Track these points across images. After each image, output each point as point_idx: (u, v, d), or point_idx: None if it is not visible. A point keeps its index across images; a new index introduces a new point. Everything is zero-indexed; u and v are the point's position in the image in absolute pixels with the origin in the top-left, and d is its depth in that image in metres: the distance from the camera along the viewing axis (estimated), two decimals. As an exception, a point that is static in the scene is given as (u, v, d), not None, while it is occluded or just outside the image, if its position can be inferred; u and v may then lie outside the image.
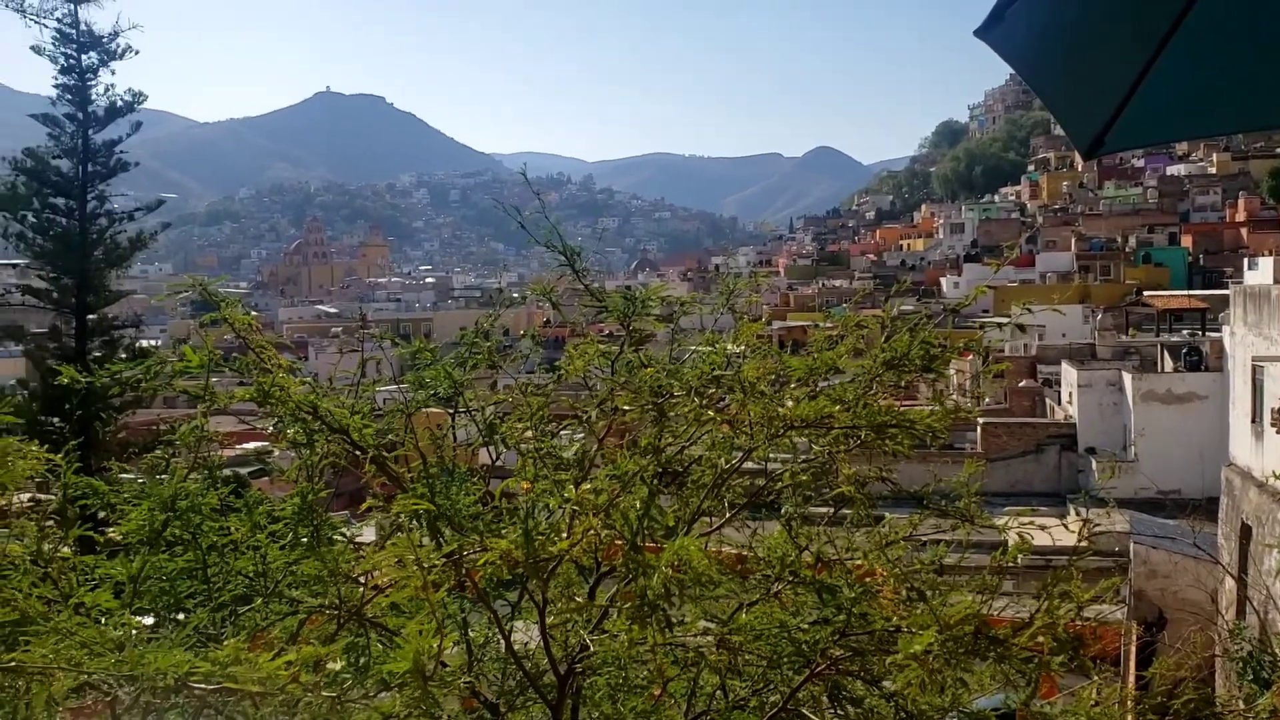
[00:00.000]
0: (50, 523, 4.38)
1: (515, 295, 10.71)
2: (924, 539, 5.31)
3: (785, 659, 4.47)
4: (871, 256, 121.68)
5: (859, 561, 4.89)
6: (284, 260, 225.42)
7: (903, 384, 5.16)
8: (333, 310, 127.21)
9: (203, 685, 2.92)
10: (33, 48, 25.51)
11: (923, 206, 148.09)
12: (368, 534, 5.23)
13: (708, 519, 5.04)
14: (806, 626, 4.52)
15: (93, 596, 3.89)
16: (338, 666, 3.48)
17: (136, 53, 26.59)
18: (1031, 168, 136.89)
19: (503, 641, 4.36)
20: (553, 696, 4.33)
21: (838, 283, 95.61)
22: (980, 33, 2.21)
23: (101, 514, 4.68)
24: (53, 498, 4.60)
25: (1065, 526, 10.74)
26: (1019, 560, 4.80)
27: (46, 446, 4.35)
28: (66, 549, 4.35)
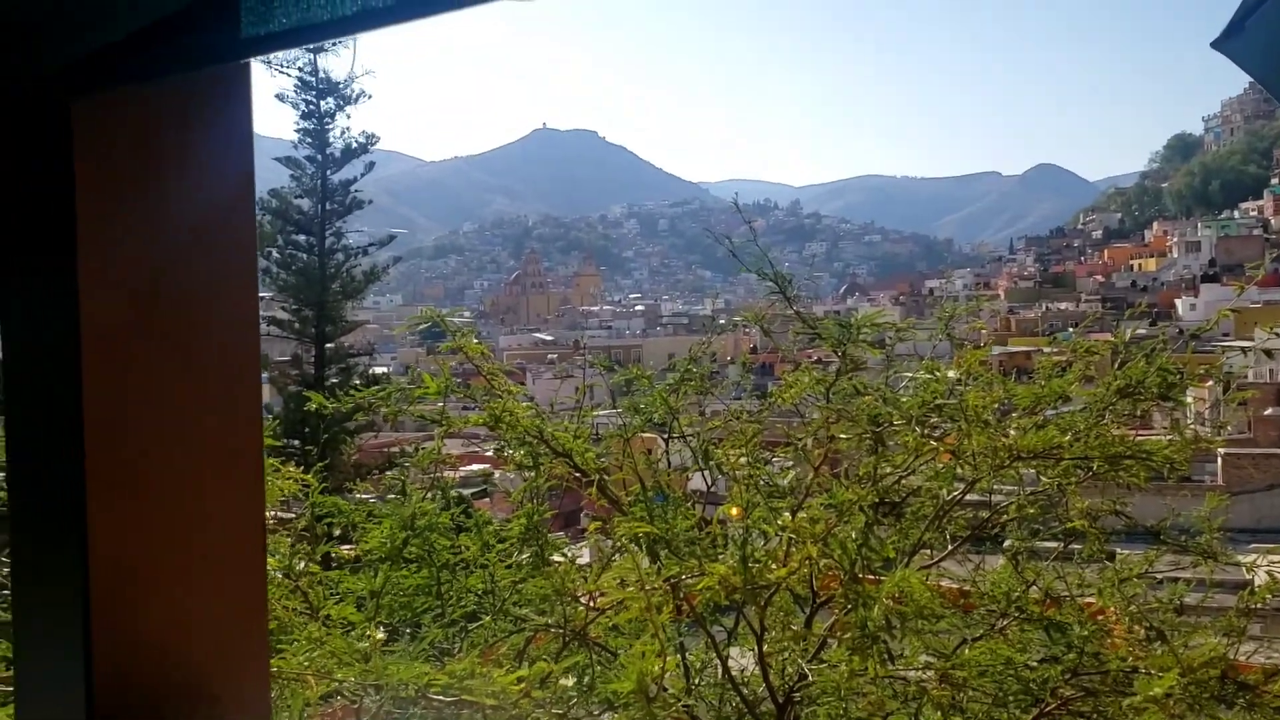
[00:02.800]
0: (301, 539, 4.72)
1: (723, 322, 10.77)
2: (1161, 576, 5.03)
3: (1012, 697, 4.32)
4: (1099, 278, 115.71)
5: (1090, 599, 4.68)
6: (504, 290, 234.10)
7: (1137, 413, 4.91)
8: (549, 338, 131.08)
9: (440, 696, 3.09)
10: (277, 95, 27.60)
11: (1154, 224, 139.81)
12: (582, 555, 5.37)
13: (928, 551, 4.93)
14: (1035, 664, 4.36)
15: (338, 609, 4.16)
16: (569, 683, 3.60)
17: (369, 97, 28.37)
18: (1275, 181, 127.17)
19: (720, 666, 4.39)
20: (770, 724, 4.33)
21: (1063, 306, 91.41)
22: (1218, 44, 2.12)
23: (338, 531, 5.01)
24: (293, 516, 4.95)
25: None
26: (1268, 601, 4.49)
27: (301, 468, 4.69)
28: (315, 564, 4.67)
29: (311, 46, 27.12)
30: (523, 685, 3.08)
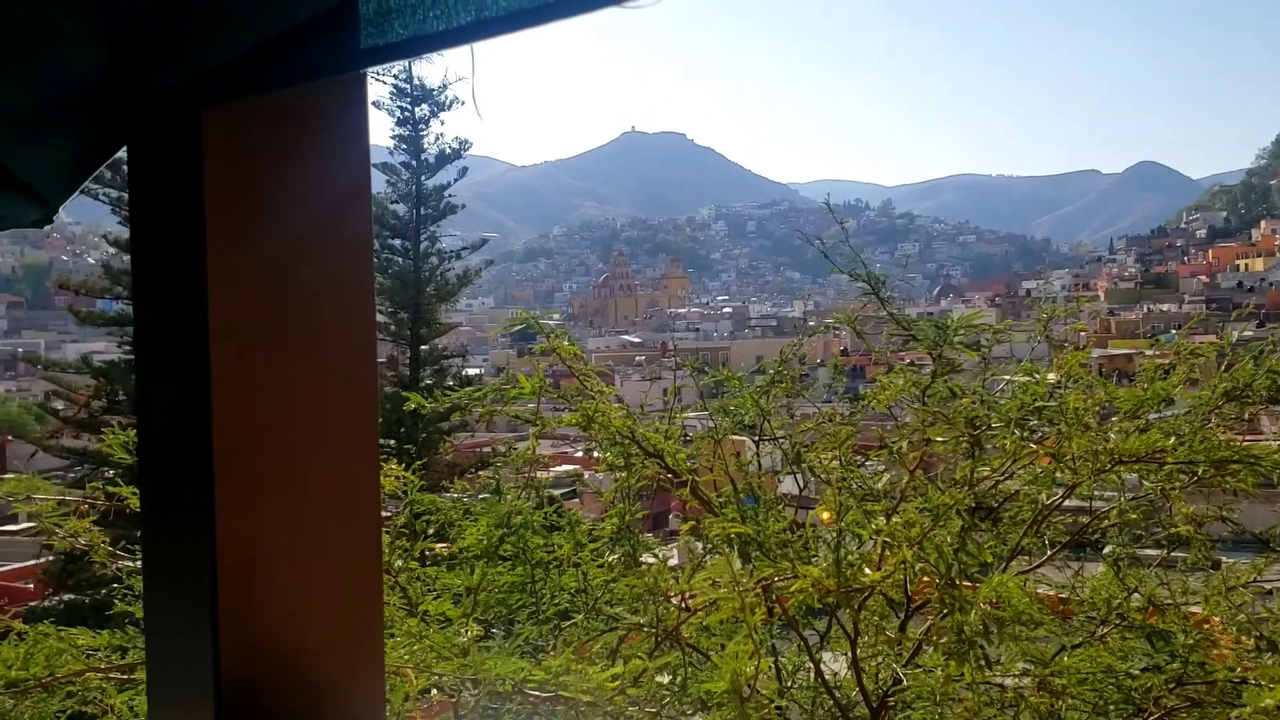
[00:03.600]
0: (400, 536, 4.82)
1: (812, 324, 10.71)
2: (1271, 586, 4.88)
3: (1112, 706, 4.22)
4: (1203, 278, 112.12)
5: (1195, 608, 4.55)
6: (592, 293, 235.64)
7: (1245, 417, 4.76)
8: (636, 340, 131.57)
9: (537, 692, 3.13)
10: (374, 102, 28.20)
11: (1262, 223, 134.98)
12: (671, 557, 5.39)
13: (1025, 557, 4.85)
14: (1137, 673, 4.26)
15: (436, 605, 4.25)
16: (665, 680, 3.63)
17: (462, 103, 28.81)
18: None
19: (813, 669, 4.37)
20: (863, 728, 4.30)
21: (1165, 307, 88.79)
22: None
23: (431, 530, 5.10)
24: (390, 514, 5.05)
25: None
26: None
27: (402, 465, 4.80)
28: (413, 560, 4.77)
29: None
30: (617, 683, 3.11)
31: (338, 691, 1.22)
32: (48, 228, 1.81)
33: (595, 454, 5.17)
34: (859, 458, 5.12)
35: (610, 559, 4.94)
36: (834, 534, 4.00)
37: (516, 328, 5.12)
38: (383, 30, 1.01)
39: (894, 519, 3.91)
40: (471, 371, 32.98)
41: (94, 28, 1.13)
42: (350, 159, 1.22)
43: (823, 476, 4.77)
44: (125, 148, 1.24)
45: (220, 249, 1.11)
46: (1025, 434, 4.17)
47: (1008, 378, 5.13)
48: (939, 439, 4.34)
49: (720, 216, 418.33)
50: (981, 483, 4.52)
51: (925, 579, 3.97)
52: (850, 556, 3.78)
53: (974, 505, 4.45)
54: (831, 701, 4.43)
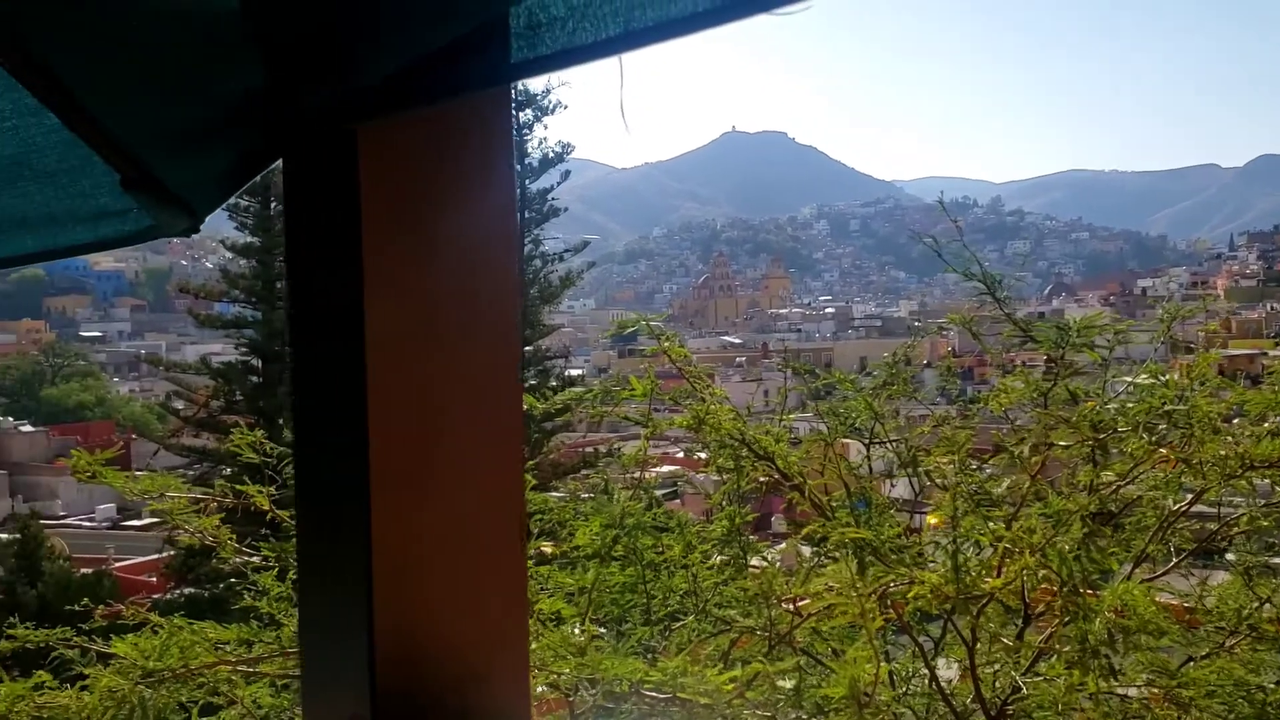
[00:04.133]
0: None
1: (919, 324, 10.57)
2: None
3: (1244, 721, 4.07)
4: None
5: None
6: (692, 294, 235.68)
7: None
8: (737, 341, 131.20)
9: (654, 693, 3.15)
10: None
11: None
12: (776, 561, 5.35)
13: (1149, 564, 4.70)
14: (1271, 686, 4.10)
15: (550, 603, 4.29)
16: (787, 685, 3.61)
17: (565, 107, 29.12)
18: None
19: (928, 676, 4.31)
20: (981, 737, 4.22)
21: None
22: None
23: (537, 530, 5.15)
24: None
25: None
26: None
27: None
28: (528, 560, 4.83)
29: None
30: (733, 686, 3.10)
31: (486, 689, 1.25)
32: None
33: (698, 455, 5.18)
34: (974, 462, 5.03)
35: (717, 561, 4.93)
36: (951, 539, 3.93)
37: (628, 330, 5.15)
38: (533, 44, 1.03)
39: (1015, 525, 3.83)
40: (574, 372, 33.30)
41: (255, 48, 1.18)
42: (497, 169, 1.25)
43: (939, 481, 4.69)
44: (280, 162, 1.29)
45: (375, 260, 1.14)
46: (1153, 438, 4.05)
47: (1129, 380, 4.98)
48: (1062, 443, 4.23)
49: (822, 215, 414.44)
50: (1104, 488, 4.39)
51: (1045, 586, 3.88)
52: (970, 563, 3.72)
53: (1096, 511, 4.33)
54: (947, 709, 4.35)
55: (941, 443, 4.81)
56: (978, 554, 4.06)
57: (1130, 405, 4.28)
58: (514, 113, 28.43)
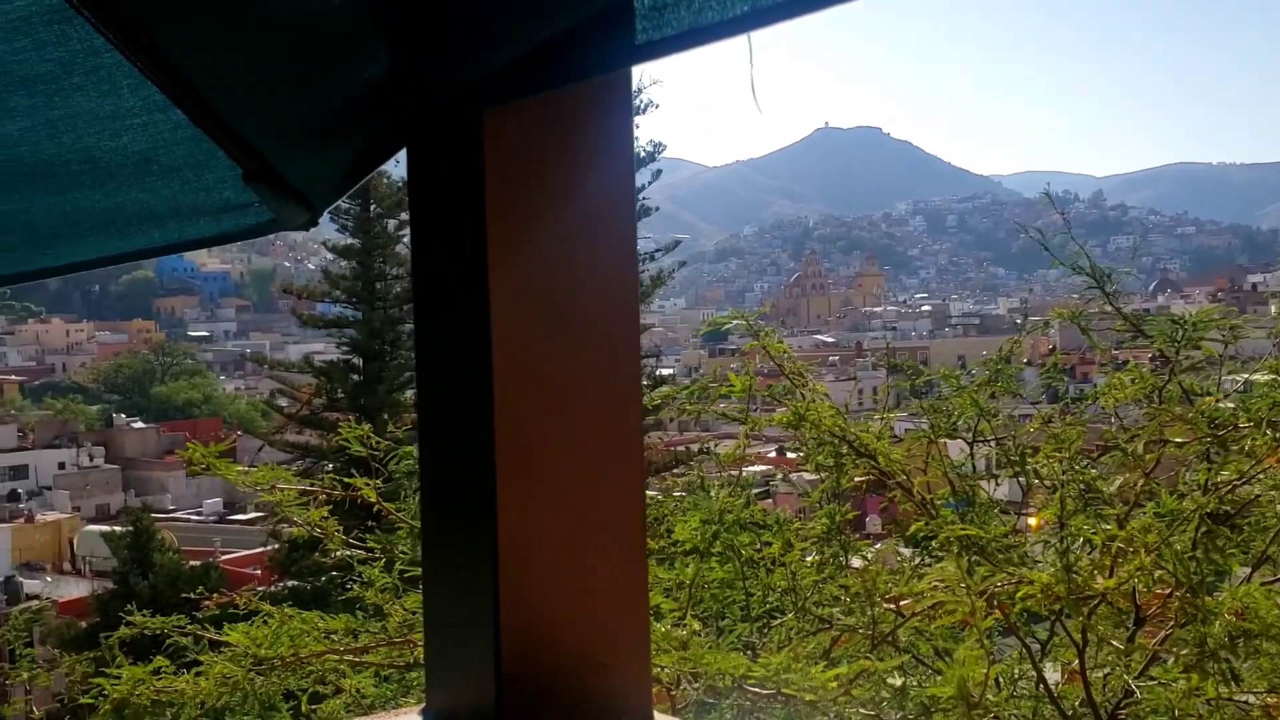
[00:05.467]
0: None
1: (1020, 321, 10.32)
2: None
3: (1376, 732, 3.89)
4: None
5: None
6: (784, 292, 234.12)
7: None
8: (830, 340, 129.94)
9: (757, 689, 3.13)
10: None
11: None
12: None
13: (1270, 566, 4.52)
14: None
15: (650, 598, 4.29)
16: (898, 683, 3.57)
17: (656, 107, 29.11)
18: None
19: (1036, 677, 4.21)
20: (1092, 742, 4.10)
21: None
22: None
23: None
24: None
25: None
26: None
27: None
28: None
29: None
30: (837, 684, 3.07)
31: (607, 677, 1.25)
32: (272, 235, 1.93)
33: (791, 454, 5.13)
34: (1083, 460, 4.89)
35: (816, 559, 4.88)
36: (1063, 539, 3.83)
37: (724, 326, 5.13)
38: (658, 25, 1.02)
39: (1129, 524, 3.72)
40: (664, 372, 33.29)
41: (380, 38, 1.20)
42: (617, 152, 1.24)
43: (1047, 480, 4.58)
44: (404, 152, 1.30)
45: (499, 247, 1.15)
46: (1276, 435, 3.89)
47: (1244, 376, 4.80)
48: (1178, 440, 4.10)
49: (918, 211, 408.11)
50: (1221, 487, 4.24)
51: (1158, 588, 3.76)
52: (1080, 562, 3.62)
53: (1213, 511, 4.18)
54: (1054, 712, 4.24)
55: (1049, 440, 4.70)
56: (1088, 554, 3.95)
57: (1252, 401, 4.12)
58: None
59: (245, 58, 1.41)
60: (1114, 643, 4.29)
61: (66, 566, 43.59)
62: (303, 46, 1.29)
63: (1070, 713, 4.24)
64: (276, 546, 27.39)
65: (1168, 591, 3.77)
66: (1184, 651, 3.45)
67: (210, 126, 1.50)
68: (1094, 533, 3.80)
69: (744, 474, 5.24)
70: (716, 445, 8.35)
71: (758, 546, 4.84)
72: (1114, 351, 5.63)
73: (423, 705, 1.33)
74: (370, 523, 5.22)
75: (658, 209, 30.85)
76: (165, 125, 1.59)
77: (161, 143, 1.64)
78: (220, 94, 1.46)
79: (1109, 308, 5.07)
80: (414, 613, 4.53)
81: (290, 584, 25.79)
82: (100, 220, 1.86)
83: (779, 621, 4.69)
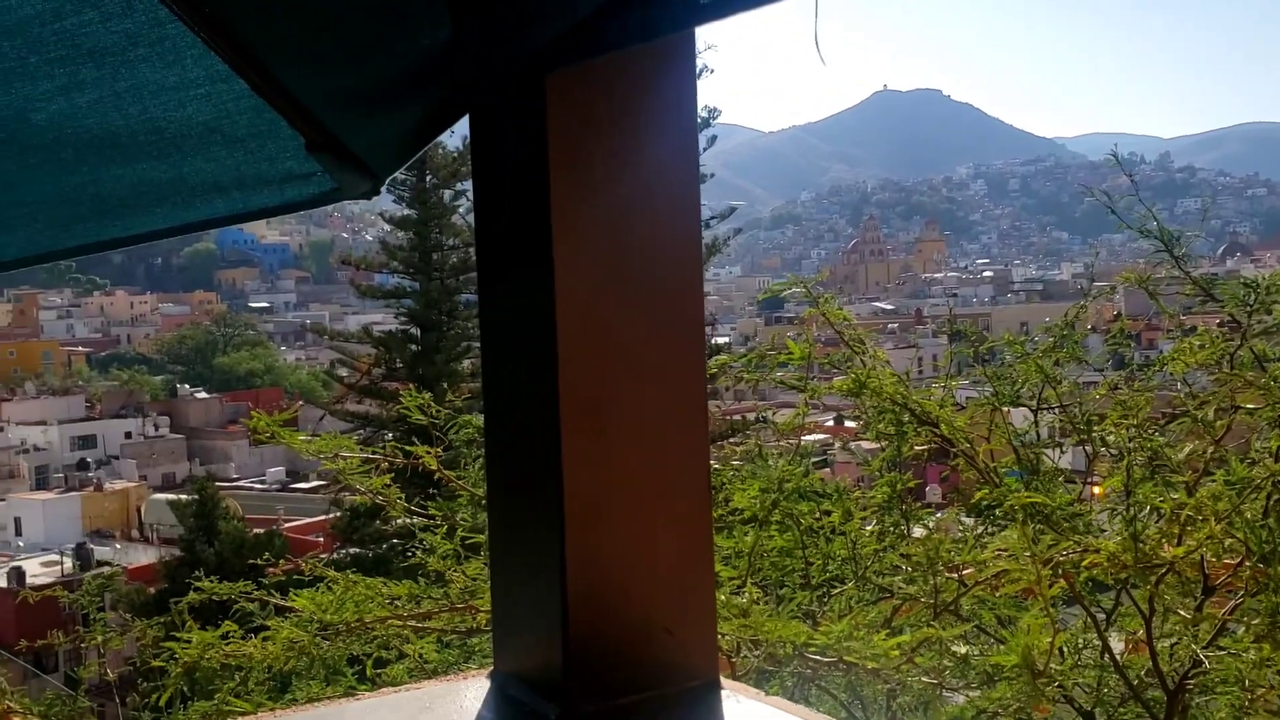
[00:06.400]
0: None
1: (1097, 285, 10.14)
2: None
3: None
4: None
5: None
6: (842, 259, 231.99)
7: None
8: (889, 307, 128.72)
9: (818, 656, 3.12)
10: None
11: None
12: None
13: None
14: None
15: (708, 566, 4.29)
16: (963, 650, 3.54)
17: (711, 72, 28.87)
18: None
19: (1101, 647, 4.15)
20: (1158, 712, 4.05)
21: None
22: None
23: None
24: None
25: None
26: None
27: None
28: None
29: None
30: (898, 652, 3.05)
31: (671, 640, 1.25)
32: (330, 207, 1.93)
33: (850, 422, 5.10)
34: (1150, 428, 4.81)
35: (876, 528, 4.85)
36: (1129, 507, 3.77)
37: (783, 291, 5.09)
38: (722, -16, 1.00)
39: (1198, 492, 3.64)
40: (720, 340, 33.20)
41: (444, 4, 1.19)
42: (681, 114, 1.23)
43: (1114, 448, 4.50)
44: (464, 120, 1.30)
45: (562, 209, 1.14)
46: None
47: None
48: (1250, 406, 4.00)
49: (979, 175, 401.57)
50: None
51: (1228, 557, 3.69)
52: (1148, 530, 3.56)
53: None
54: (1120, 681, 4.19)
55: (1116, 407, 4.61)
56: (1156, 522, 3.89)
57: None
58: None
59: (308, 27, 1.41)
60: (1181, 612, 4.22)
61: (134, 534, 44.73)
62: (366, 15, 1.29)
63: (1136, 682, 4.18)
64: (338, 514, 27.86)
65: (1238, 560, 3.69)
66: (1255, 621, 3.38)
67: (273, 96, 1.51)
68: (1162, 501, 3.73)
69: (802, 442, 5.21)
70: (774, 414, 8.32)
71: (817, 515, 4.82)
72: (1182, 317, 5.51)
73: (491, 668, 1.34)
74: (431, 490, 5.28)
75: (713, 175, 30.68)
76: (228, 95, 1.60)
77: (225, 113, 1.65)
78: (283, 64, 1.46)
79: (1177, 272, 4.96)
80: (475, 579, 4.58)
81: (352, 551, 26.24)
82: (166, 191, 1.88)
83: (839, 590, 4.68)
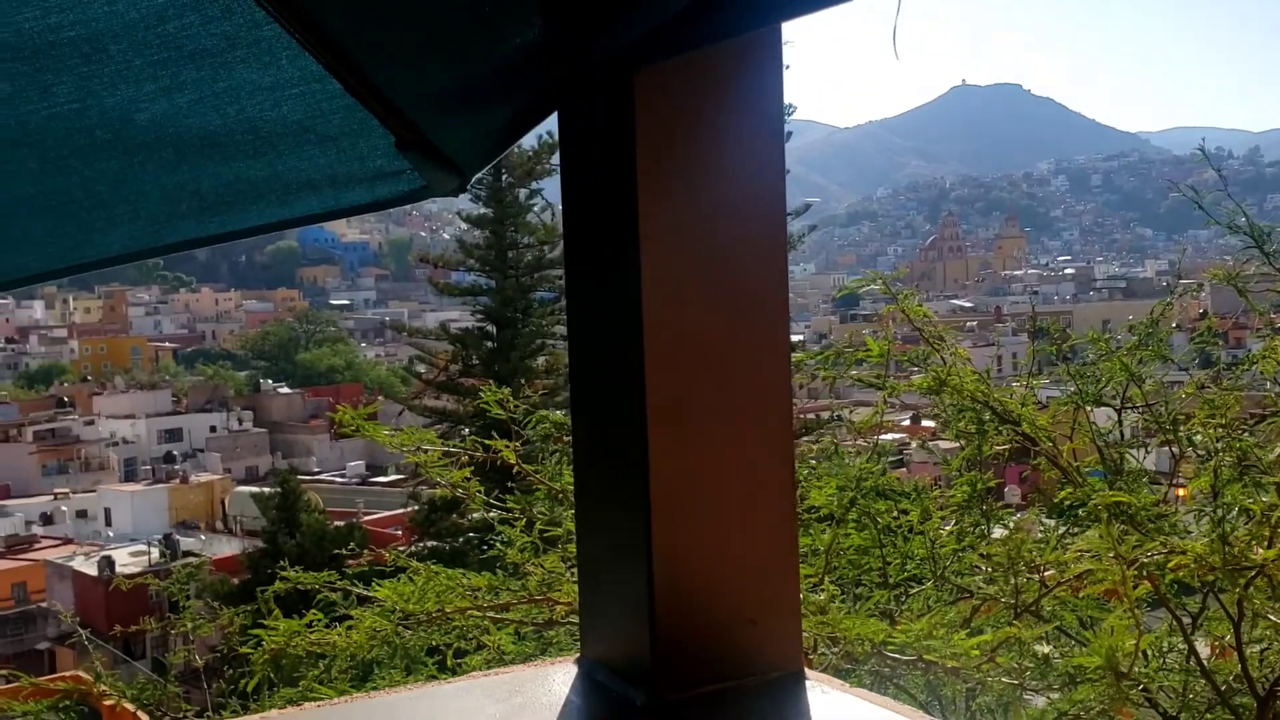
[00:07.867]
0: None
1: (1166, 283, 9.90)
2: None
3: None
4: None
5: None
6: (919, 256, 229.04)
7: None
8: (968, 304, 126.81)
9: (897, 655, 3.10)
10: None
11: None
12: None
13: None
14: None
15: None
16: (1045, 650, 3.50)
17: (788, 67, 28.71)
18: None
19: (1187, 650, 4.06)
20: (1247, 718, 3.95)
21: None
22: None
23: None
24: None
25: None
26: None
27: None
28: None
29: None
30: (978, 652, 3.02)
31: (755, 632, 1.26)
32: (408, 205, 1.96)
33: (927, 421, 5.05)
34: (1239, 428, 4.69)
35: (956, 528, 4.80)
36: (1217, 508, 3.68)
37: (861, 288, 5.05)
38: (810, -21, 1.01)
39: (1292, 493, 3.55)
40: (795, 338, 32.97)
41: (534, 3, 1.21)
42: (767, 110, 1.24)
43: (1201, 448, 4.39)
44: (554, 116, 1.32)
45: (650, 207, 1.16)
46: None
47: None
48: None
49: (1061, 170, 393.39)
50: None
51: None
52: (1238, 532, 3.47)
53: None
54: (1210, 687, 4.10)
55: (1203, 406, 4.51)
56: (1245, 524, 3.79)
57: None
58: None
59: (400, 27, 1.45)
60: (1271, 617, 4.12)
61: (219, 525, 45.83)
62: (457, 14, 1.32)
63: (1224, 688, 4.08)
64: (416, 508, 28.24)
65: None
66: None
67: (365, 95, 1.55)
68: (1251, 502, 3.63)
69: (880, 441, 5.17)
70: (850, 412, 8.26)
71: (895, 514, 4.78)
72: (1272, 315, 5.37)
73: (578, 655, 1.36)
74: (508, 484, 5.34)
75: (788, 172, 30.47)
76: (321, 95, 1.64)
77: (318, 112, 1.70)
78: (375, 63, 1.50)
79: (1267, 269, 4.83)
80: (552, 572, 4.63)
81: (430, 544, 26.57)
82: (262, 188, 1.94)
83: (917, 590, 4.64)
